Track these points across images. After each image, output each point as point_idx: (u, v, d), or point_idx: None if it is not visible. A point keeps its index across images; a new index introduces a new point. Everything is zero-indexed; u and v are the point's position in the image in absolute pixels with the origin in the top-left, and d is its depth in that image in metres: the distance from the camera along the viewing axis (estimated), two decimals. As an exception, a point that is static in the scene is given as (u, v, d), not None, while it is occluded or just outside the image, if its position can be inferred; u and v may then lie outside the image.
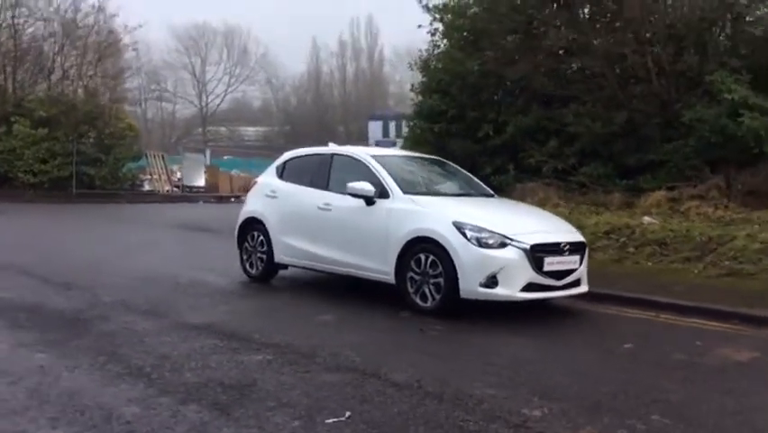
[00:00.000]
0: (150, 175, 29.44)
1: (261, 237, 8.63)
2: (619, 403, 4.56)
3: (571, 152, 15.17)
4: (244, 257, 8.88)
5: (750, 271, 8.18)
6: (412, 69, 20.10)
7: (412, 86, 19.68)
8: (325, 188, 8.05)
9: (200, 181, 30.26)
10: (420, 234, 6.87)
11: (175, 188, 30.01)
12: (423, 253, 6.86)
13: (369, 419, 4.20)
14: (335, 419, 4.21)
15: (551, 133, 15.74)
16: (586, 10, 16.16)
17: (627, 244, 9.63)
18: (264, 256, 8.59)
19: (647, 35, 15.04)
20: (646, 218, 10.27)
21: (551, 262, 6.66)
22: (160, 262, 10.63)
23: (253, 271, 8.73)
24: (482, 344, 6.05)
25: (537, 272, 6.60)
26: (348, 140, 69.16)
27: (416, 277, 6.91)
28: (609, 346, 5.98)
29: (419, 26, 19.09)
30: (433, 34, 19.00)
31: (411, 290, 6.95)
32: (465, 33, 17.72)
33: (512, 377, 5.08)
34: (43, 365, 5.29)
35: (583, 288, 7.04)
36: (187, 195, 29.15)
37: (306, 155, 8.86)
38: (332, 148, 8.81)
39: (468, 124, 16.48)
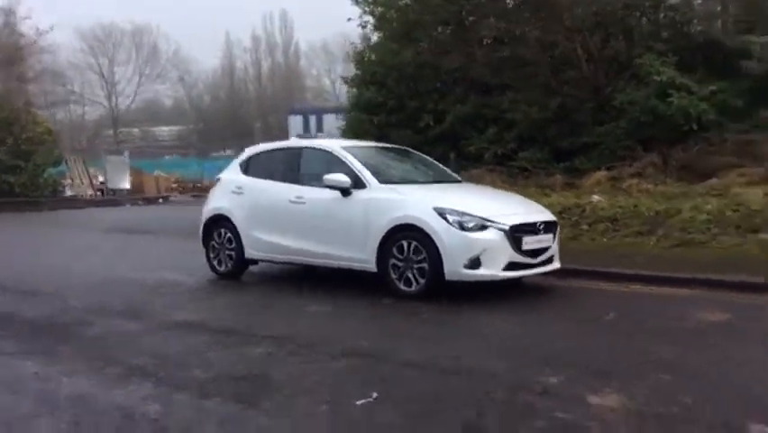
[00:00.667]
0: (72, 180, 28.47)
1: (229, 234, 8.59)
2: (622, 367, 4.84)
3: (510, 138, 15.62)
4: (211, 255, 8.82)
5: (701, 240, 8.69)
6: (345, 62, 20.15)
7: (345, 79, 19.75)
8: (296, 181, 8.08)
9: (125, 184, 29.46)
10: (402, 222, 7.01)
11: (98, 192, 29.11)
12: (405, 239, 7.00)
13: (397, 398, 4.32)
14: (365, 400, 4.29)
15: (489, 120, 16.15)
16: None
17: (580, 222, 10.03)
18: (233, 253, 8.55)
19: (575, 23, 15.57)
20: (595, 197, 10.73)
21: (528, 242, 6.93)
22: (115, 264, 10.41)
23: (222, 269, 8.69)
24: (473, 324, 6.25)
25: (517, 252, 6.85)
26: (267, 136, 68.65)
27: (399, 263, 7.05)
28: (593, 317, 6.26)
29: (349, 19, 19.17)
30: (364, 27, 19.12)
31: (394, 277, 7.09)
32: (396, 25, 17.90)
33: (515, 351, 5.29)
34: (37, 372, 5.17)
35: (556, 264, 7.34)
36: (111, 198, 28.34)
37: (271, 150, 8.86)
38: (300, 141, 8.85)
39: (408, 115, 16.72)
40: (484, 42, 16.35)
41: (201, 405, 4.40)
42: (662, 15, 16.06)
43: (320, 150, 8.21)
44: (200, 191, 27.85)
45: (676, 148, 13.41)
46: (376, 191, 7.36)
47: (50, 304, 7.61)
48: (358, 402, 4.29)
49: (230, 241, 8.58)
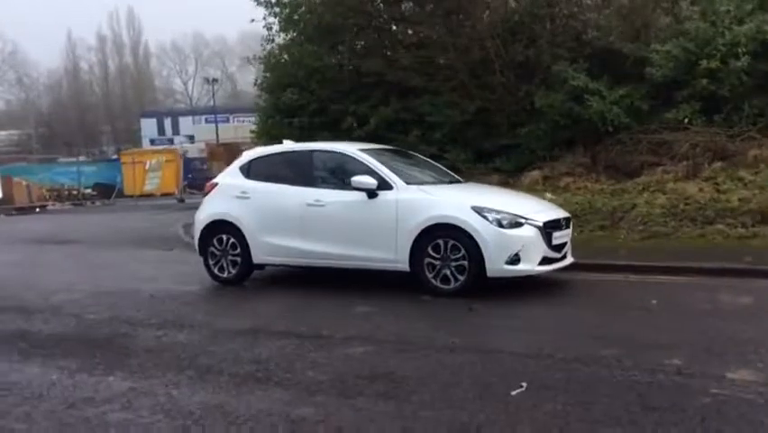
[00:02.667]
0: None
1: (233, 240, 8.49)
2: (717, 347, 5.32)
3: (433, 140, 16.19)
4: (211, 262, 8.66)
5: (665, 232, 9.62)
6: (251, 64, 19.91)
7: (256, 81, 19.53)
8: (310, 184, 8.14)
9: (-7, 193, 27.24)
10: (439, 221, 7.29)
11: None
12: (442, 238, 7.29)
13: (543, 388, 4.58)
14: (519, 390, 4.57)
15: (410, 123, 16.64)
16: (431, 6, 17.13)
17: (544, 219, 10.68)
18: (238, 258, 8.46)
19: (485, 30, 16.42)
20: (548, 195, 11.48)
21: (556, 237, 7.46)
22: (90, 277, 9.90)
23: (225, 275, 8.56)
24: (534, 316, 6.60)
25: (548, 247, 7.34)
26: (117, 140, 65.55)
27: (435, 262, 7.33)
28: (639, 305, 6.75)
29: (252, 20, 19.07)
30: (269, 29, 19.03)
31: (430, 275, 7.35)
32: (307, 27, 17.98)
33: (606, 338, 5.61)
34: (134, 387, 5.04)
35: (570, 258, 7.91)
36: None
37: (274, 154, 8.84)
38: (307, 145, 8.90)
39: (331, 117, 16.85)
40: (402, 47, 16.77)
41: (353, 404, 4.49)
42: (561, 23, 17.18)
43: (336, 153, 8.32)
44: (77, 199, 26.23)
45: (594, 148, 14.53)
46: (404, 192, 7.60)
47: (60, 319, 7.25)
48: (513, 393, 4.54)
49: (233, 247, 8.48)
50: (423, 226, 7.31)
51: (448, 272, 7.26)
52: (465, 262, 7.16)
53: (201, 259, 8.77)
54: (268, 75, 19.22)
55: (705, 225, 9.63)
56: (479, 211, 7.17)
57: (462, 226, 7.15)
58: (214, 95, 49.91)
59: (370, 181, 7.60)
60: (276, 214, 8.22)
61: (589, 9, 17.31)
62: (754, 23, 14.10)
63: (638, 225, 9.82)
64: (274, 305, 7.59)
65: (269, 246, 8.23)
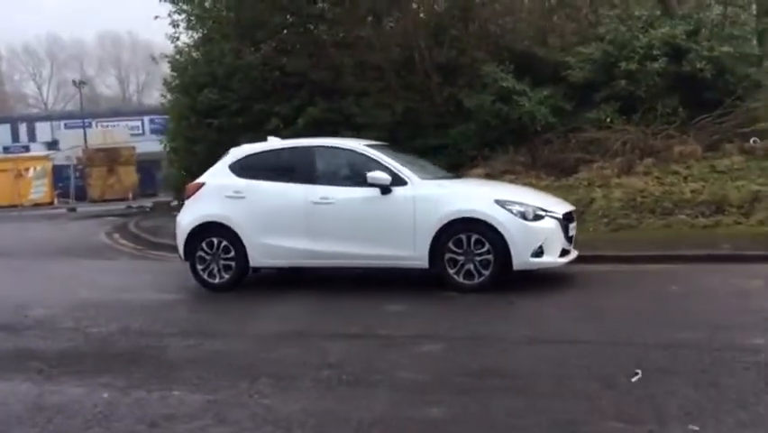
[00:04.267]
0: None
1: (225, 242, 8.00)
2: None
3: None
4: (200, 267, 8.11)
5: (630, 224, 10.06)
6: (156, 63, 18.95)
7: (164, 80, 18.61)
8: (313, 182, 7.82)
9: None
10: (462, 216, 7.21)
11: None
12: (464, 233, 7.22)
13: (656, 374, 4.62)
14: (635, 378, 4.59)
15: (338, 124, 16.43)
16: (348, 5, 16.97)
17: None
18: (232, 262, 7.99)
19: (411, 30, 16.55)
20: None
21: (571, 229, 7.59)
22: (53, 290, 9.03)
23: (216, 281, 8.06)
24: (576, 306, 6.63)
25: (566, 239, 7.46)
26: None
27: (458, 257, 7.25)
28: (663, 291, 7.01)
29: (156, 17, 18.28)
30: (176, 26, 18.30)
31: (452, 271, 7.27)
32: (216, 25, 17.40)
33: (674, 323, 5.72)
34: (213, 399, 4.67)
35: (576, 250, 8.06)
36: None
37: (268, 151, 8.40)
38: (306, 141, 8.53)
39: (254, 118, 16.35)
40: (330, 46, 16.56)
41: (480, 401, 4.36)
42: (478, 27, 17.60)
43: (341, 149, 8.05)
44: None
45: (530, 147, 14.99)
46: (421, 187, 7.48)
47: (61, 335, 6.59)
48: (633, 379, 4.56)
49: (226, 250, 7.99)
50: (445, 221, 7.20)
51: (471, 267, 7.18)
52: (490, 257, 7.12)
53: (180, 266, 8.33)
54: (175, 75, 18.36)
55: (665, 216, 10.13)
56: (502, 204, 7.16)
57: (488, 220, 7.11)
58: (82, 98, 46.98)
59: (385, 177, 7.39)
60: (277, 213, 7.82)
61: (501, 14, 17.77)
62: (664, 28, 15.03)
63: (602, 219, 10.19)
64: (295, 308, 7.20)
65: (269, 248, 7.81)
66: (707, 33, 15.42)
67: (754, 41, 17.06)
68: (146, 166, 33.98)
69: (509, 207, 7.15)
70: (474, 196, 7.45)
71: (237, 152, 8.37)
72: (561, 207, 7.55)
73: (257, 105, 16.25)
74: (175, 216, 16.79)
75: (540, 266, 7.24)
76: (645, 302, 6.69)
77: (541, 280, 7.57)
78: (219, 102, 16.26)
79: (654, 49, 14.86)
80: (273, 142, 8.55)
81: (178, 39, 18.62)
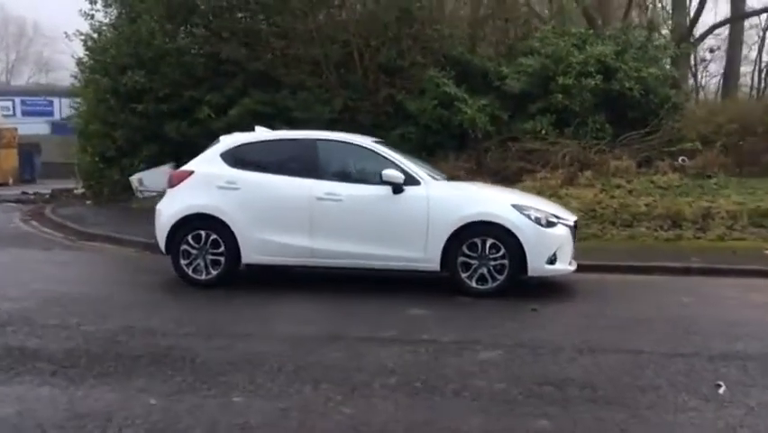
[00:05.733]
0: None
1: (214, 236, 7.45)
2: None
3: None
4: (183, 262, 7.50)
5: (595, 234, 10.28)
6: (70, 40, 17.61)
7: (79, 60, 17.31)
8: (316, 176, 7.42)
9: None
10: (479, 219, 7.05)
11: None
12: (479, 236, 7.07)
13: (739, 381, 4.70)
14: (722, 390, 4.61)
15: (272, 117, 15.86)
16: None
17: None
18: (221, 258, 7.45)
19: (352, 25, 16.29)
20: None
21: (576, 236, 7.61)
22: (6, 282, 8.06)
23: (202, 277, 7.48)
24: (597, 314, 6.60)
25: (573, 246, 7.49)
26: None
27: (471, 261, 7.09)
28: (674, 301, 7.16)
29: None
30: (93, 2, 17.16)
31: (464, 275, 7.11)
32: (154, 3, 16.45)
33: (717, 333, 5.88)
34: (284, 407, 4.31)
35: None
36: None
37: (266, 141, 7.87)
38: (308, 133, 8.08)
39: (183, 105, 15.51)
40: (263, 36, 15.98)
41: (583, 412, 4.25)
42: (415, 30, 17.51)
43: (348, 144, 7.67)
44: None
45: (464, 154, 15.09)
46: (435, 188, 7.28)
47: (53, 333, 5.92)
48: (719, 391, 4.58)
49: (215, 244, 7.44)
50: (460, 224, 7.02)
51: (485, 272, 7.03)
52: (505, 262, 7.01)
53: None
54: (89, 54, 17.12)
55: (626, 227, 10.43)
56: (520, 209, 7.07)
57: (505, 225, 6.99)
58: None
59: (399, 175, 7.11)
60: (276, 207, 7.35)
61: (437, 20, 17.80)
62: (597, 47, 15.60)
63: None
64: (311, 309, 6.76)
65: (265, 244, 7.33)
66: (632, 54, 16.09)
67: (668, 65, 18.00)
68: (24, 150, 31.51)
69: (527, 213, 7.06)
70: (491, 199, 7.32)
71: (229, 141, 7.80)
72: (569, 215, 7.54)
73: (187, 92, 15.38)
74: (88, 204, 15.90)
75: (553, 273, 7.21)
76: (672, 312, 6.75)
77: (541, 288, 7.54)
78: (145, 86, 15.23)
79: (589, 66, 15.35)
80: (268, 132, 8.04)
81: (92, 17, 17.33)
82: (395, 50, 16.45)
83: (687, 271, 8.43)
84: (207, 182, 7.49)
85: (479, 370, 4.97)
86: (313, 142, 7.62)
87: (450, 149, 15.38)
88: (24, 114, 43.66)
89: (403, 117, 15.76)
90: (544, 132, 15.20)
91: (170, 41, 15.38)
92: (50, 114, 43.05)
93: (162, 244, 7.57)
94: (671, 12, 20.79)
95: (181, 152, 15.84)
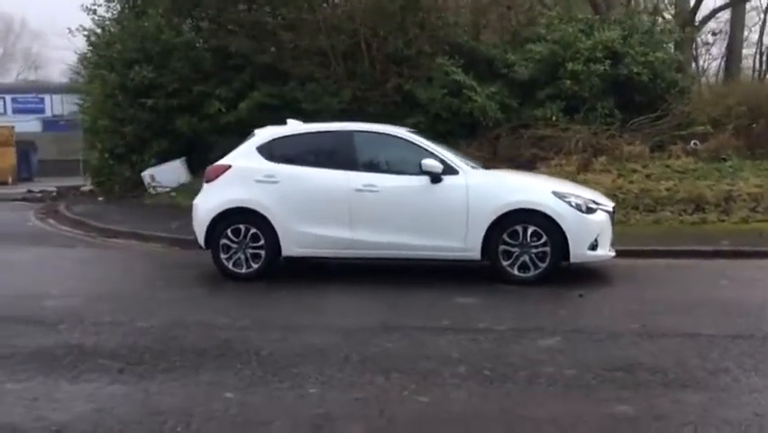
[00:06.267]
0: None
1: (254, 230, 7.44)
2: None
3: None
4: (223, 256, 7.50)
5: (620, 219, 10.24)
6: (73, 36, 17.47)
7: (83, 55, 17.17)
8: (354, 168, 7.41)
9: None
10: (521, 207, 7.07)
11: None
12: (520, 224, 7.09)
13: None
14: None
15: (282, 109, 15.80)
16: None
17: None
18: (261, 251, 7.45)
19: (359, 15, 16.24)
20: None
21: (614, 222, 7.65)
22: (45, 281, 8.01)
23: (243, 270, 7.48)
24: (648, 299, 6.59)
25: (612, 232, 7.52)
26: None
27: (513, 249, 7.11)
28: (716, 283, 7.27)
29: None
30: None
31: (506, 263, 7.13)
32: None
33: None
34: (360, 397, 4.34)
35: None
36: None
37: (303, 134, 7.86)
38: (344, 125, 8.05)
39: (193, 100, 15.44)
40: (271, 28, 15.90)
41: (659, 396, 4.28)
42: (420, 19, 17.45)
43: (385, 135, 7.68)
44: None
45: (475, 141, 15.09)
46: (473, 176, 7.29)
47: (107, 329, 5.89)
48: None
49: (255, 238, 7.44)
50: (501, 212, 7.04)
51: (527, 259, 7.06)
52: (547, 249, 7.03)
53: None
54: (93, 49, 17.01)
55: (649, 212, 10.48)
56: (561, 196, 7.10)
57: (547, 212, 7.02)
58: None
59: (437, 165, 7.13)
60: (316, 200, 7.35)
61: (442, 8, 17.76)
62: (606, 32, 15.62)
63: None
64: (357, 301, 6.75)
65: (305, 237, 7.33)
66: (638, 39, 16.11)
67: (672, 50, 18.04)
68: (20, 148, 31.31)
69: (567, 200, 7.09)
70: (532, 187, 7.34)
71: (265, 134, 7.77)
72: (607, 201, 7.57)
73: (196, 87, 15.30)
74: (101, 201, 15.82)
75: (595, 259, 7.24)
76: (714, 294, 6.81)
77: (579, 275, 7.55)
78: (155, 81, 15.14)
79: (597, 51, 15.37)
80: (302, 125, 8.02)
81: (94, 12, 17.21)
82: (401, 40, 16.40)
83: (717, 255, 8.48)
84: (245, 176, 7.48)
85: (544, 357, 4.99)
86: (349, 134, 7.61)
87: (461, 137, 15.35)
88: (15, 111, 43.26)
89: (411, 106, 15.72)
90: (554, 118, 15.21)
91: (178, 35, 15.23)
92: (41, 111, 42.74)
93: (201, 239, 7.55)
94: (673, -4, 20.87)
95: (191, 146, 15.85)
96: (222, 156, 7.99)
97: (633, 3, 20.06)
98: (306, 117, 15.15)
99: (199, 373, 4.82)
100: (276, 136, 7.72)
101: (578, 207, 7.08)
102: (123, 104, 15.61)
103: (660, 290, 7.02)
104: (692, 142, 14.36)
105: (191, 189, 14.76)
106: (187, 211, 12.76)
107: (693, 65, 20.94)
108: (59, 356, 5.16)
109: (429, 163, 7.13)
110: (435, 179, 7.17)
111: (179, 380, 4.71)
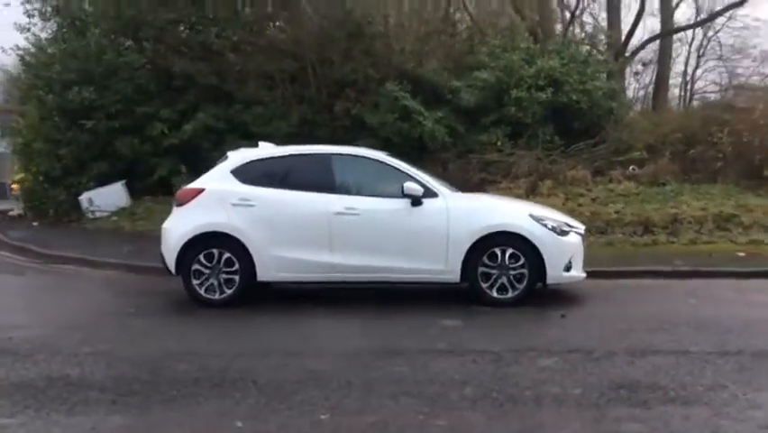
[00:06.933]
0: None
1: (228, 254, 7.29)
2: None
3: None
4: (195, 282, 7.31)
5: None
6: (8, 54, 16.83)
7: (19, 76, 16.55)
8: (333, 191, 7.38)
9: None
10: (499, 229, 7.17)
11: None
12: (498, 247, 7.19)
13: None
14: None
15: (227, 132, 15.62)
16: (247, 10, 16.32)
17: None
18: (236, 276, 7.30)
19: (305, 39, 16.25)
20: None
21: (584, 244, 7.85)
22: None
23: (216, 296, 7.30)
24: (628, 318, 6.77)
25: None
26: None
27: (492, 271, 7.20)
28: (687, 303, 7.53)
29: (8, 4, 16.44)
30: (30, 16, 16.53)
31: (485, 285, 7.22)
32: (100, 18, 15.94)
33: (746, 334, 6.17)
34: (380, 420, 4.31)
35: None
36: None
37: (277, 157, 7.75)
38: (321, 148, 8.01)
39: (136, 121, 15.07)
40: (218, 51, 15.73)
41: (676, 414, 4.39)
42: (367, 45, 17.56)
43: (364, 158, 7.66)
44: None
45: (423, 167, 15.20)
46: (452, 199, 7.37)
47: (92, 360, 5.63)
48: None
49: (229, 263, 7.29)
50: (480, 235, 7.13)
51: (505, 281, 7.16)
52: (525, 271, 7.15)
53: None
54: (26, 69, 16.42)
55: (600, 234, 10.78)
56: (537, 219, 7.23)
57: (525, 235, 7.15)
58: None
59: (418, 188, 7.18)
60: (294, 223, 7.26)
61: (386, 35, 17.95)
62: (550, 61, 16.13)
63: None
64: (344, 325, 6.69)
65: (283, 261, 7.23)
66: (576, 68, 16.68)
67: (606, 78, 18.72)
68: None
69: (544, 222, 7.24)
70: (510, 210, 7.47)
71: (238, 157, 7.64)
72: (578, 224, 7.76)
73: (139, 108, 14.92)
74: (36, 226, 15.14)
75: (569, 280, 7.40)
76: (688, 312, 7.04)
77: (550, 296, 7.66)
78: (95, 102, 14.70)
79: (540, 79, 15.84)
80: (276, 148, 7.94)
81: (29, 30, 16.64)
82: (348, 66, 16.45)
83: (675, 275, 8.78)
84: (220, 199, 7.33)
85: (546, 377, 5.06)
86: (327, 157, 7.57)
87: (410, 161, 15.39)
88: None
89: (360, 130, 15.76)
90: (499, 143, 15.53)
91: (120, 55, 14.86)
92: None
93: (172, 265, 7.33)
94: (606, 27, 21.68)
95: (131, 169, 15.43)
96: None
97: (570, 33, 20.75)
98: (255, 140, 15.09)
99: (200, 402, 4.69)
100: (251, 159, 7.60)
101: (553, 230, 7.23)
102: (60, 125, 15.06)
103: (636, 309, 7.21)
104: (631, 167, 14.90)
105: (132, 213, 14.43)
106: (134, 236, 12.64)
107: (624, 94, 21.76)
108: (43, 388, 4.94)
109: (411, 186, 7.17)
110: (416, 202, 7.21)
111: (182, 410, 4.57)
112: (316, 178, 7.41)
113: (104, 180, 15.16)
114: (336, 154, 7.66)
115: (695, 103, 23.23)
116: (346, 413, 4.44)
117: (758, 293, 7.96)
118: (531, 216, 7.25)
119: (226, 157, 7.74)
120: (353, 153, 7.78)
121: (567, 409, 4.49)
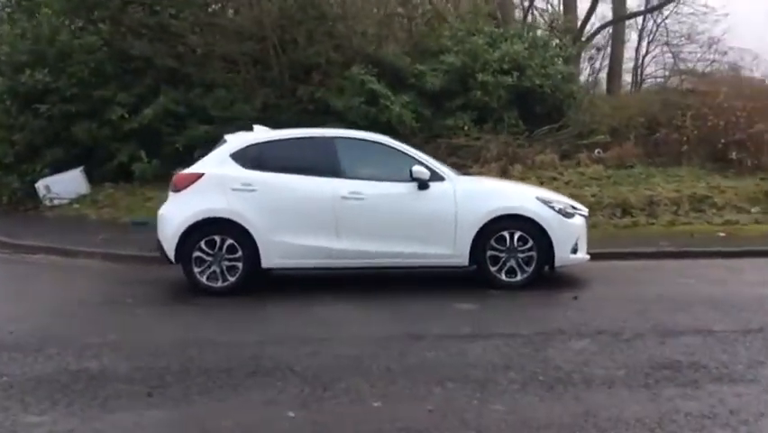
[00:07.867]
0: None
1: (230, 241, 7.04)
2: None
3: (219, 137, 15.01)
4: (197, 270, 7.04)
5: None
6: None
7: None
8: (337, 175, 7.20)
9: None
10: (507, 212, 7.12)
11: None
12: (507, 230, 7.15)
13: None
14: None
15: (189, 116, 15.16)
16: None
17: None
18: (239, 263, 7.06)
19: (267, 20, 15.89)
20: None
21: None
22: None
23: (218, 284, 7.04)
24: (640, 298, 6.78)
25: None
26: None
27: (500, 254, 7.16)
28: (685, 282, 7.65)
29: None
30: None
31: (493, 269, 7.17)
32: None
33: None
34: (434, 408, 4.19)
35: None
36: None
37: (280, 140, 7.49)
38: (324, 131, 7.78)
39: (93, 105, 14.47)
40: (176, 32, 15.21)
41: (725, 392, 4.41)
42: (328, 27, 17.27)
43: (369, 141, 7.49)
44: None
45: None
46: (459, 183, 7.28)
47: (105, 353, 5.37)
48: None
49: (231, 249, 7.04)
50: (488, 218, 7.07)
51: (514, 264, 7.13)
52: (533, 253, 7.13)
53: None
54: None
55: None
56: (545, 202, 7.22)
57: (533, 217, 7.12)
58: None
59: (425, 172, 7.07)
60: (298, 209, 7.05)
61: (349, 17, 17.69)
62: (513, 45, 16.19)
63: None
64: (363, 311, 6.55)
65: (288, 247, 7.02)
66: (538, 53, 16.80)
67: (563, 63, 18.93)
68: None
69: (551, 205, 7.22)
70: (517, 193, 7.43)
71: (238, 141, 7.36)
72: (581, 206, 7.79)
73: (96, 92, 14.31)
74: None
75: (576, 262, 7.41)
76: (691, 292, 7.14)
77: (552, 279, 7.66)
78: (49, 85, 14.03)
79: (504, 63, 15.88)
80: (274, 132, 7.71)
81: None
82: (311, 49, 16.15)
83: (663, 255, 8.91)
84: (220, 184, 7.05)
85: (586, 359, 5.04)
86: (331, 141, 7.37)
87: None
88: None
89: (324, 114, 15.48)
90: (465, 128, 15.51)
91: (75, 37, 14.20)
92: None
93: (171, 252, 7.03)
94: (562, 13, 21.88)
95: (89, 155, 14.81)
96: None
97: (530, 18, 20.87)
98: (217, 124, 14.68)
99: (241, 392, 4.52)
100: (251, 143, 7.34)
101: (560, 212, 7.23)
102: (12, 110, 14.32)
103: (643, 290, 7.24)
104: (596, 150, 15.09)
105: (95, 201, 13.86)
106: (102, 224, 12.11)
107: (581, 78, 22.11)
108: (67, 383, 4.65)
109: (418, 170, 7.03)
110: (423, 185, 7.08)
111: (224, 401, 4.39)
112: (320, 161, 7.21)
113: (59, 167, 14.49)
114: (340, 138, 7.48)
115: (645, 87, 23.70)
116: (399, 401, 4.32)
117: (751, 272, 8.13)
118: (538, 198, 7.23)
119: (225, 141, 7.43)
120: (357, 137, 7.63)
121: (618, 390, 4.47)
